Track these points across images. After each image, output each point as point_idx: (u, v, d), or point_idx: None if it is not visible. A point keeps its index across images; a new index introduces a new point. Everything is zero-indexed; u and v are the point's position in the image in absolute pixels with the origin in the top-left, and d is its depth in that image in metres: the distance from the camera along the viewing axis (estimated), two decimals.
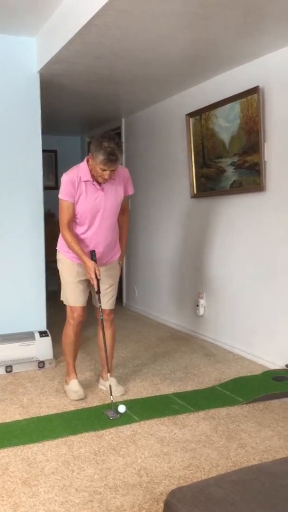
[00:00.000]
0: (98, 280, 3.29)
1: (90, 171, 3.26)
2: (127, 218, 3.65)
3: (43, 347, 4.17)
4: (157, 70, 4.33)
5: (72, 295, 3.46)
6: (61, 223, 3.31)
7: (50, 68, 4.20)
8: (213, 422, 3.09)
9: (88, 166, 3.27)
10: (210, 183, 4.73)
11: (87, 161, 3.29)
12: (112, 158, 3.11)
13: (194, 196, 4.99)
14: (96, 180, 3.27)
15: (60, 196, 3.29)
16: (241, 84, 4.16)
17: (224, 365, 4.19)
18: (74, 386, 3.51)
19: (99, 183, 3.29)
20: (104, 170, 3.16)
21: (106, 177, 3.20)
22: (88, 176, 3.26)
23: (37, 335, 4.19)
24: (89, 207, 3.29)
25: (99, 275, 3.29)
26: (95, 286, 3.30)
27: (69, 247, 3.33)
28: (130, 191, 3.50)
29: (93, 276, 3.26)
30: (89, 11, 3.17)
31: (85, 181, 3.26)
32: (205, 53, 3.92)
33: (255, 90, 3.98)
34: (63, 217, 3.30)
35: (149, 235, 5.96)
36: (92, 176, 3.26)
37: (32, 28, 4.06)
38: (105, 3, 2.95)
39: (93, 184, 3.28)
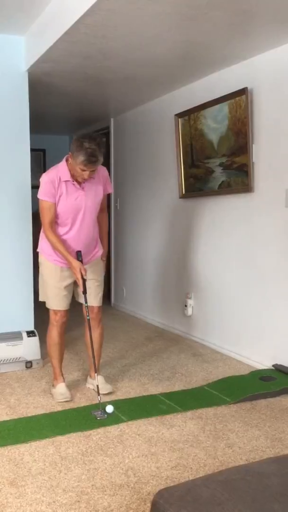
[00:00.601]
0: (84, 280, 3.28)
1: (70, 170, 3.25)
2: (106, 217, 3.65)
3: (30, 347, 4.15)
4: (146, 70, 4.33)
5: (55, 299, 3.44)
6: (44, 224, 3.29)
7: (39, 67, 4.19)
8: (201, 422, 3.10)
9: (68, 166, 3.26)
10: (198, 183, 4.74)
11: (66, 160, 3.28)
12: (92, 160, 3.10)
13: (182, 197, 5.00)
14: (76, 179, 3.26)
15: (40, 196, 3.26)
16: (230, 85, 4.18)
17: (211, 365, 4.20)
18: (60, 389, 3.49)
19: (79, 183, 3.29)
20: (84, 170, 3.15)
21: (86, 177, 3.20)
22: (67, 176, 3.25)
23: (24, 335, 4.17)
24: (70, 207, 3.28)
25: (85, 274, 3.28)
26: (81, 287, 3.29)
27: (54, 247, 3.31)
28: (109, 190, 3.51)
29: (79, 276, 3.25)
30: (78, 11, 3.16)
31: (65, 181, 3.25)
32: (194, 54, 3.92)
33: (243, 92, 4.00)
34: (45, 218, 3.28)
35: (137, 235, 5.96)
36: (72, 175, 3.25)
37: (21, 27, 4.04)
38: (94, 2, 2.94)
39: (73, 183, 3.27)
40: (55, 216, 3.30)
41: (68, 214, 3.30)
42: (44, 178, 3.26)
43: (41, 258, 3.48)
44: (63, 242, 3.32)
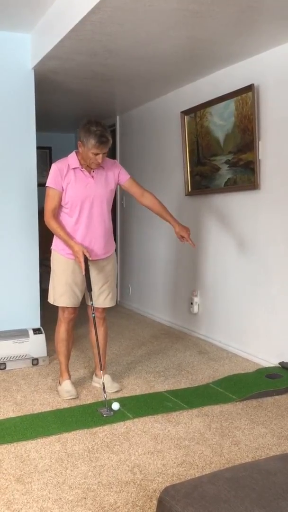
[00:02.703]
0: (87, 265, 3.26)
1: (80, 160, 3.31)
2: (152, 196, 3.55)
3: (37, 345, 4.16)
4: (152, 67, 4.32)
5: (64, 296, 3.42)
6: (46, 210, 3.34)
7: (45, 65, 4.19)
8: (207, 419, 3.10)
9: (77, 156, 3.33)
10: (204, 181, 4.73)
11: (76, 153, 3.34)
12: (103, 140, 3.18)
13: (188, 194, 4.99)
14: (87, 167, 3.31)
15: (47, 183, 3.34)
16: (236, 82, 4.16)
17: (217, 362, 4.20)
18: (66, 386, 3.49)
19: (89, 171, 3.33)
20: (97, 154, 3.21)
21: (100, 160, 3.24)
22: (77, 164, 3.32)
23: (31, 332, 4.18)
24: (80, 194, 3.31)
25: (89, 256, 3.27)
26: (83, 270, 3.26)
27: (55, 233, 3.34)
28: (126, 176, 3.49)
29: (81, 259, 3.22)
30: (84, 8, 3.16)
31: (74, 169, 3.31)
32: (200, 51, 3.91)
33: (250, 88, 3.98)
34: (48, 205, 3.33)
35: (143, 233, 5.96)
36: (81, 165, 3.31)
37: (27, 24, 4.04)
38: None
39: (82, 171, 3.32)
40: (65, 205, 3.34)
41: (77, 201, 3.32)
42: (53, 167, 3.33)
43: (53, 255, 3.48)
44: (74, 233, 3.33)
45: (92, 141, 3.16)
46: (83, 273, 3.28)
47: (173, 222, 3.54)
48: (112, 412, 3.15)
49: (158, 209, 3.55)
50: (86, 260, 3.25)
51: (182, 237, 3.53)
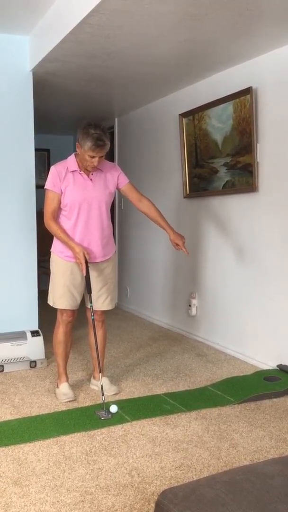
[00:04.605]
0: (87, 267, 3.26)
1: (78, 162, 3.32)
2: (149, 202, 3.51)
3: (34, 347, 4.15)
4: (150, 69, 4.33)
5: (63, 298, 3.42)
6: (46, 213, 3.35)
7: (43, 67, 4.19)
8: (205, 422, 3.10)
9: (76, 159, 3.33)
10: (202, 183, 4.73)
11: (75, 155, 3.35)
12: (100, 144, 3.17)
13: (186, 196, 4.99)
14: (85, 170, 3.32)
15: (46, 186, 3.35)
16: (234, 85, 4.17)
17: (215, 365, 4.20)
18: (64, 389, 3.49)
19: (87, 174, 3.33)
20: (93, 157, 3.21)
21: (96, 163, 3.24)
22: (75, 167, 3.32)
23: (28, 334, 4.17)
24: (78, 196, 3.31)
25: (89, 258, 3.28)
26: (84, 272, 3.27)
27: (55, 235, 3.34)
28: (125, 180, 3.49)
29: (83, 261, 3.23)
30: (82, 10, 3.17)
31: (72, 171, 3.32)
32: (198, 54, 3.92)
33: (248, 91, 3.99)
34: (48, 207, 3.34)
35: (141, 235, 5.96)
36: (80, 167, 3.32)
37: (26, 27, 4.05)
38: (99, 2, 2.94)
39: (80, 173, 3.33)
40: (64, 208, 3.34)
41: (76, 204, 3.32)
42: (52, 169, 3.34)
43: (52, 257, 3.48)
44: (72, 235, 3.33)
45: (88, 144, 3.16)
46: (84, 274, 3.28)
47: (168, 230, 3.53)
48: (110, 415, 3.15)
49: (154, 216, 3.53)
50: (86, 261, 3.25)
51: (177, 244, 3.53)
